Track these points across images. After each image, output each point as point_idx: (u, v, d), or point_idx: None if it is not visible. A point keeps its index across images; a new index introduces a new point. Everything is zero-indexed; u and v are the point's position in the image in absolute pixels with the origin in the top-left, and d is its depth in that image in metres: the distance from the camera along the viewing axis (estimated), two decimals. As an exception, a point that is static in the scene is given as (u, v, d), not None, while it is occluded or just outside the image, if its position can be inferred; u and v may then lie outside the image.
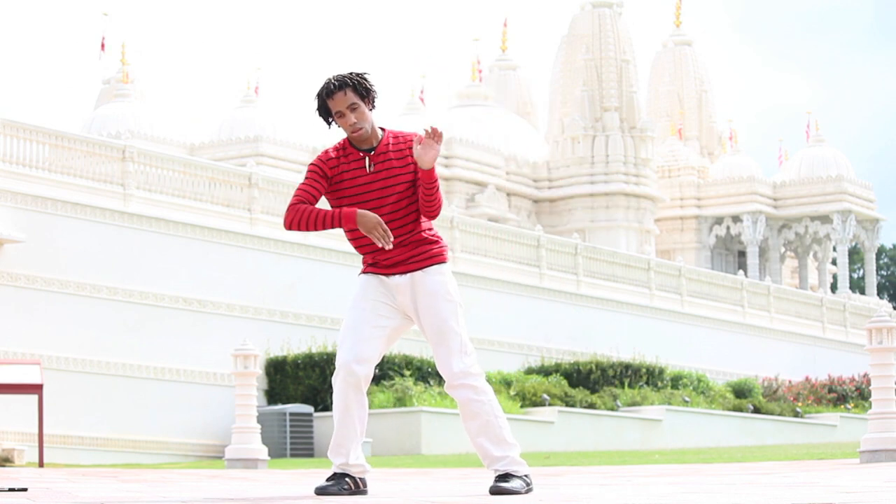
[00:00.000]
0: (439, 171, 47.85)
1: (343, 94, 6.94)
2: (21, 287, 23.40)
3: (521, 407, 27.26)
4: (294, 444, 24.71)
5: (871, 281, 61.41)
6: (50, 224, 23.90)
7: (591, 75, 51.88)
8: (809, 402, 35.12)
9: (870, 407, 13.71)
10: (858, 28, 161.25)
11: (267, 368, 26.45)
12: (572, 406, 28.09)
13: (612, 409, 29.02)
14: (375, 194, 6.99)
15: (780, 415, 33.04)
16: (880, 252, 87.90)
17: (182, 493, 8.16)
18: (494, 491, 7.08)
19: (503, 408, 26.39)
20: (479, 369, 7.14)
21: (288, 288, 27.42)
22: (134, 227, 25.12)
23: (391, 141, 7.06)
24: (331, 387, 26.06)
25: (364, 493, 7.28)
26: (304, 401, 25.91)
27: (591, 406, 28.60)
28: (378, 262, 7.10)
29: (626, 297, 35.88)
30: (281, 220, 27.97)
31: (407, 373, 26.42)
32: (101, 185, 25.05)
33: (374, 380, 26.36)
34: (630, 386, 30.54)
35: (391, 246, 6.92)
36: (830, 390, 36.10)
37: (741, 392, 34.07)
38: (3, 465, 20.86)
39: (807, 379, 37.22)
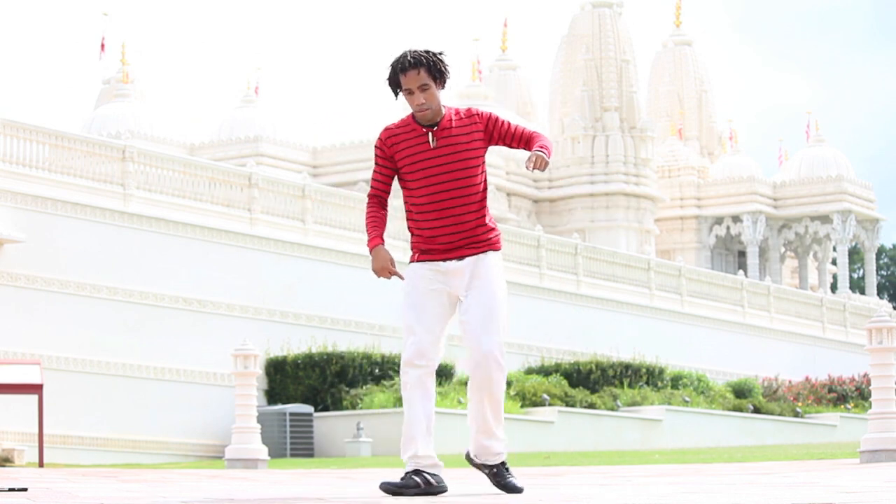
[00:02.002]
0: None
1: (416, 72, 6.97)
2: (21, 287, 23.40)
3: (521, 407, 27.26)
4: (294, 444, 24.71)
5: (871, 281, 61.41)
6: (50, 224, 23.90)
7: (591, 75, 51.89)
8: (809, 402, 35.12)
9: (870, 407, 13.71)
10: (858, 28, 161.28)
11: (267, 368, 26.45)
12: (572, 406, 28.08)
13: (612, 409, 29.02)
14: (440, 169, 7.02)
15: (780, 415, 33.04)
16: (880, 252, 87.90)
17: (182, 493, 8.16)
18: (504, 487, 7.18)
19: (504, 408, 26.52)
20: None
21: (288, 288, 27.42)
22: (134, 227, 25.12)
23: (454, 117, 7.11)
24: (331, 387, 26.11)
25: (440, 490, 7.13)
26: (304, 401, 25.91)
27: (591, 406, 28.60)
28: (433, 249, 7.09)
29: (626, 297, 35.88)
30: (281, 221, 27.98)
31: (407, 373, 26.41)
32: (101, 185, 25.05)
33: (374, 380, 26.36)
34: (630, 386, 30.54)
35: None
36: (830, 390, 36.10)
37: (741, 392, 34.07)
38: (3, 465, 20.85)
39: (807, 379, 37.22)
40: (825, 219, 58.52)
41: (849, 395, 36.04)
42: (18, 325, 23.30)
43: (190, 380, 25.41)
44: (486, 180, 7.16)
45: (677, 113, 60.42)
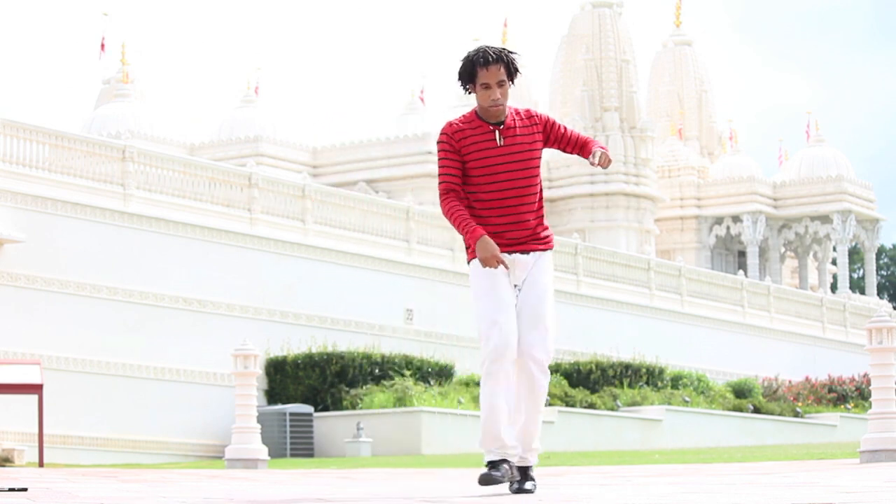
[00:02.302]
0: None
1: (497, 68, 7.04)
2: (21, 287, 23.40)
3: (521, 407, 27.24)
4: (294, 444, 24.71)
5: (871, 281, 61.41)
6: (50, 224, 23.90)
7: (591, 75, 51.89)
8: (809, 402, 35.12)
9: (870, 407, 13.70)
10: (858, 28, 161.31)
11: (267, 368, 26.45)
12: (572, 406, 28.09)
13: (612, 409, 29.02)
14: (506, 167, 7.10)
15: (780, 415, 33.04)
16: (880, 252, 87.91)
17: (182, 493, 8.16)
18: (518, 490, 7.17)
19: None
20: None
21: (288, 288, 27.42)
22: (134, 227, 25.12)
23: (515, 117, 7.19)
24: (331, 387, 26.11)
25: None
26: (304, 401, 25.91)
27: (591, 406, 28.60)
28: (500, 243, 7.13)
29: (626, 297, 35.88)
30: (281, 221, 27.97)
31: (407, 373, 26.42)
32: (101, 185, 25.05)
33: (374, 380, 26.37)
34: (630, 386, 30.54)
35: (501, 268, 7.04)
36: (830, 390, 36.10)
37: (741, 392, 34.07)
38: (3, 465, 20.85)
39: (807, 379, 37.22)
40: (825, 219, 58.52)
41: (849, 395, 36.04)
42: (18, 325, 23.30)
43: (190, 380, 25.41)
44: (540, 182, 7.27)
45: (677, 113, 60.41)
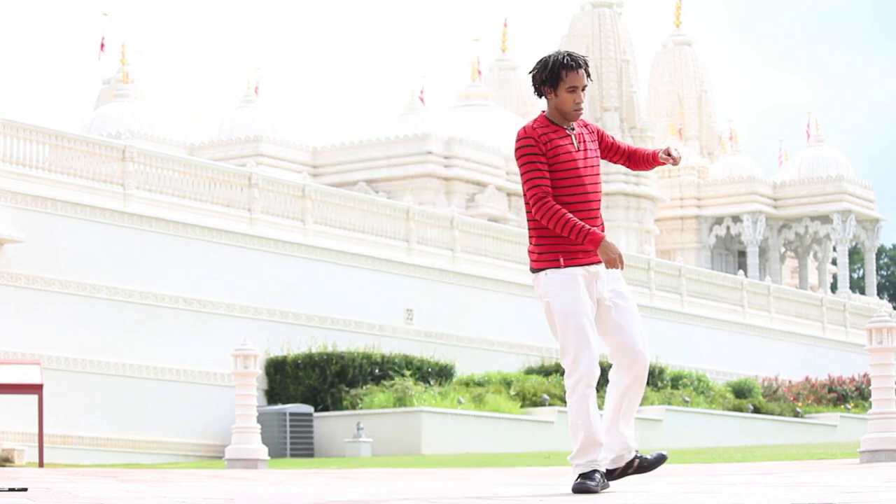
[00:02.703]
0: (438, 171, 47.86)
1: (583, 72, 7.22)
2: (21, 287, 23.40)
3: (521, 407, 27.26)
4: (294, 444, 24.71)
5: (871, 281, 61.41)
6: (50, 224, 23.90)
7: (591, 75, 51.92)
8: (809, 402, 35.12)
9: (870, 407, 13.70)
10: (858, 28, 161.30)
11: (267, 368, 26.45)
12: (572, 406, 28.06)
13: (612, 409, 28.99)
14: (584, 171, 7.22)
15: (780, 415, 33.03)
16: (880, 252, 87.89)
17: (182, 493, 8.16)
18: (650, 463, 7.39)
19: (504, 408, 26.49)
20: None
21: (288, 288, 27.42)
22: (134, 227, 25.12)
23: (578, 123, 7.34)
24: (331, 387, 26.10)
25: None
26: (304, 401, 25.91)
27: (591, 406, 28.59)
28: (588, 250, 7.20)
29: (626, 297, 35.84)
30: (281, 221, 27.96)
31: (407, 373, 26.42)
32: (101, 185, 25.05)
33: (374, 380, 26.39)
34: (630, 386, 30.52)
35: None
36: (830, 390, 36.09)
37: (741, 392, 34.06)
38: (3, 465, 20.85)
39: (807, 379, 37.21)
40: (825, 219, 58.51)
41: (849, 395, 36.03)
42: (18, 325, 23.30)
43: (190, 380, 25.41)
44: None
45: (677, 113, 60.40)
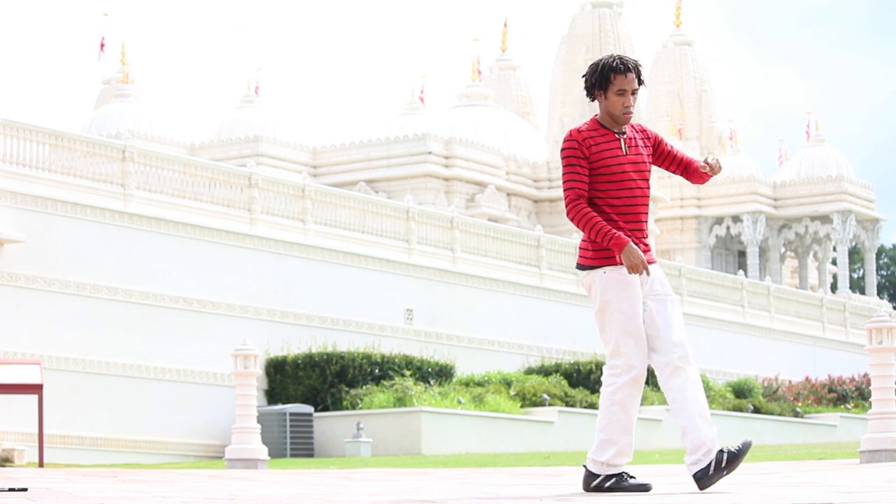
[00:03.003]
0: (438, 171, 47.88)
1: (634, 76, 7.27)
2: (21, 287, 23.40)
3: (521, 407, 27.26)
4: (294, 444, 24.71)
5: (871, 281, 61.41)
6: (50, 224, 23.89)
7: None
8: (809, 402, 35.12)
9: (870, 407, 13.71)
10: (853, 26, 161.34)
11: (267, 368, 26.44)
12: (572, 406, 28.08)
13: (612, 409, 28.99)
14: (631, 175, 7.27)
15: (780, 415, 33.03)
16: (880, 252, 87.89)
17: (182, 493, 8.16)
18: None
19: (503, 408, 26.49)
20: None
21: (288, 288, 27.42)
22: (134, 227, 25.12)
23: (631, 129, 7.38)
24: (331, 387, 26.10)
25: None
26: (304, 401, 25.91)
27: (592, 406, 28.59)
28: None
29: (626, 297, 35.84)
30: (281, 221, 27.96)
31: (407, 373, 26.42)
32: (101, 185, 25.05)
33: (374, 380, 26.39)
34: (630, 386, 30.52)
35: (636, 282, 7.21)
36: (830, 390, 36.09)
37: (741, 392, 34.05)
38: (3, 465, 20.86)
39: (807, 379, 37.21)
40: (825, 219, 58.51)
41: (849, 395, 36.04)
42: (18, 325, 23.29)
43: (190, 380, 25.41)
44: None
45: (677, 113, 60.40)
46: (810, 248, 60.65)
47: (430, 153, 47.52)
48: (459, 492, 7.82)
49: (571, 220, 7.21)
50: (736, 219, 57.69)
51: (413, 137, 48.09)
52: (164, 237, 25.52)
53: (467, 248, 31.99)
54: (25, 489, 8.14)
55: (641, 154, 7.32)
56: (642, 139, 7.37)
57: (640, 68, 7.31)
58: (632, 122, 7.52)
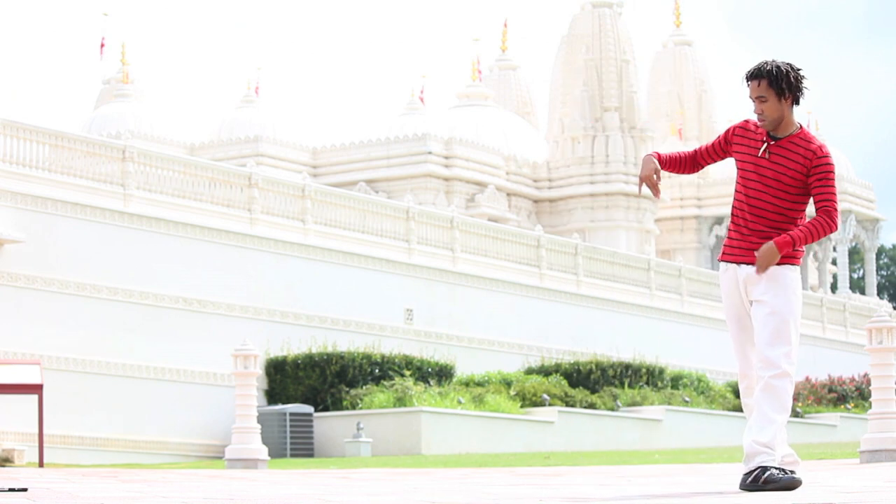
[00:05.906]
0: (438, 171, 47.86)
1: (756, 83, 7.30)
2: (21, 287, 23.40)
3: (521, 407, 27.26)
4: (294, 444, 24.71)
5: (871, 281, 61.41)
6: (50, 224, 23.90)
7: (591, 75, 51.88)
8: (809, 402, 35.12)
9: (870, 407, 13.71)
10: (854, 26, 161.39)
11: (267, 368, 26.45)
12: (572, 406, 28.09)
13: (612, 409, 29.02)
14: (755, 177, 7.35)
15: (780, 415, 32.97)
16: (880, 252, 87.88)
17: (182, 493, 8.16)
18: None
19: (503, 408, 26.49)
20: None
21: (288, 288, 27.42)
22: (134, 227, 25.12)
23: (798, 141, 7.41)
24: (331, 387, 26.15)
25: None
26: (304, 401, 25.91)
27: (591, 406, 28.60)
28: (734, 245, 7.41)
29: (626, 297, 35.88)
30: (281, 221, 27.95)
31: (407, 373, 26.42)
32: (101, 185, 25.05)
33: (374, 380, 26.39)
34: (630, 386, 30.54)
35: (657, 196, 7.52)
36: (830, 390, 36.09)
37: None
38: (3, 465, 20.85)
39: (807, 379, 37.21)
40: (825, 219, 58.46)
41: (849, 395, 36.03)
42: (18, 325, 23.29)
43: (190, 380, 25.41)
44: (802, 211, 7.42)
45: (677, 113, 60.40)
46: (810, 247, 60.66)
47: (430, 153, 47.52)
48: (459, 492, 7.82)
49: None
50: (736, 219, 57.69)
51: (413, 137, 48.09)
52: (164, 237, 25.52)
53: (467, 248, 31.99)
54: (25, 489, 8.14)
55: (782, 165, 7.33)
56: (801, 154, 7.36)
57: (773, 75, 7.25)
58: (813, 137, 7.48)
